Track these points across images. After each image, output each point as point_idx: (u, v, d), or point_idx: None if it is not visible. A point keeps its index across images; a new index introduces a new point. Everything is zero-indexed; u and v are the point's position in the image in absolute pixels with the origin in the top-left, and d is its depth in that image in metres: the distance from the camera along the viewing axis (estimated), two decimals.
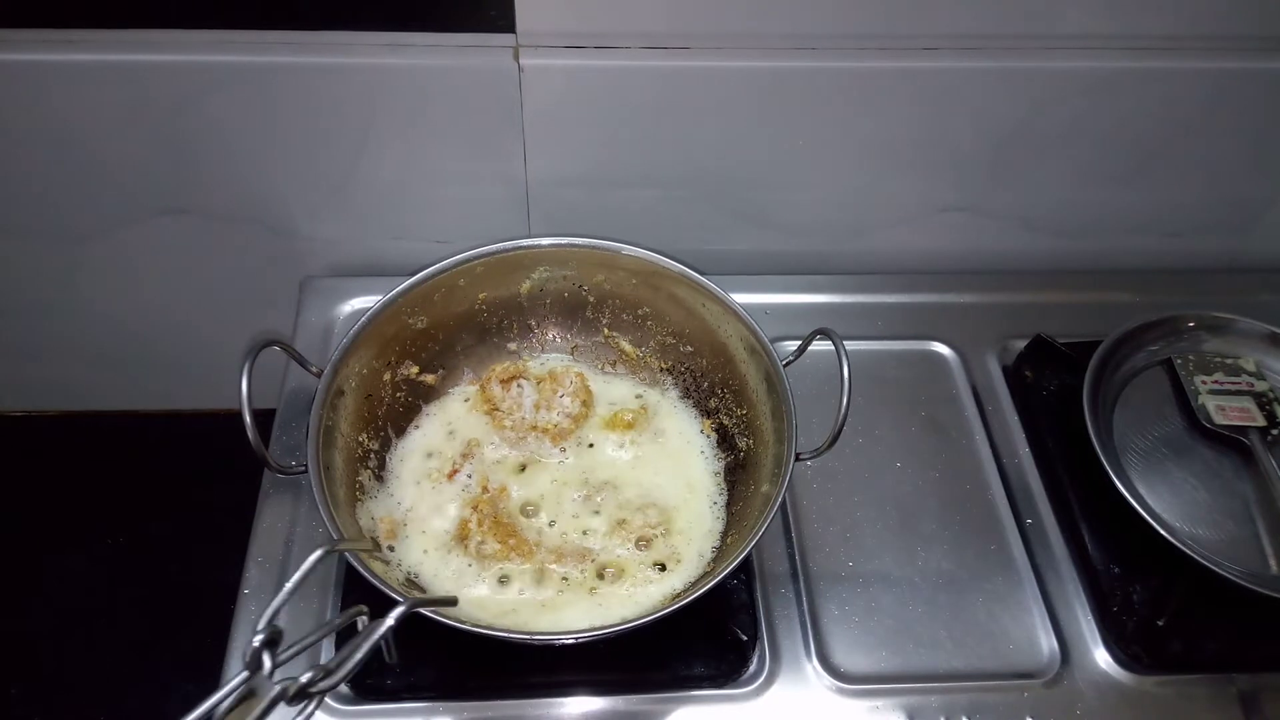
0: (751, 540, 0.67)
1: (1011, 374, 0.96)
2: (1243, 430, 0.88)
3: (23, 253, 1.04)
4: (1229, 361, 0.94)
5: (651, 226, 1.01)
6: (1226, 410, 0.90)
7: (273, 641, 0.47)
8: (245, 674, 0.46)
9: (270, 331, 0.74)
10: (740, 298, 0.80)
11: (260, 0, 0.80)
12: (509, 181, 0.96)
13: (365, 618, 0.54)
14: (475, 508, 0.78)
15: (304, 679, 0.47)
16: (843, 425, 0.70)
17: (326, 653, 0.71)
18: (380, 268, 1.04)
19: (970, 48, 0.86)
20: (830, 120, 0.92)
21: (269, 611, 0.48)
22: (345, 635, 0.54)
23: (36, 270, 1.06)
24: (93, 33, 0.82)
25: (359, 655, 0.50)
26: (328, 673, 0.48)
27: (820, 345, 0.74)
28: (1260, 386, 0.92)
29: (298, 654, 0.49)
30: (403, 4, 0.80)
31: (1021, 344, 0.97)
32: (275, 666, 0.47)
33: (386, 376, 0.82)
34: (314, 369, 0.75)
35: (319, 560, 0.53)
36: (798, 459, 0.71)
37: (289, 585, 0.51)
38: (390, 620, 0.53)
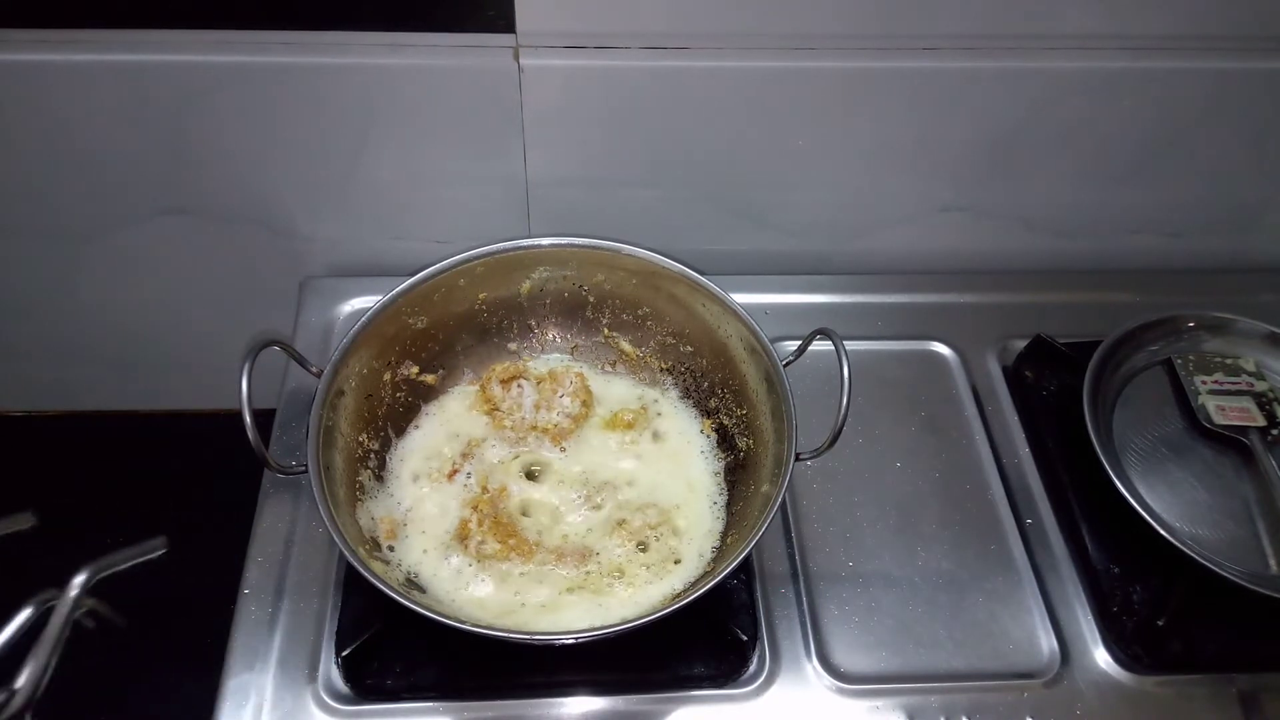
0: (751, 540, 0.67)
1: (1011, 374, 0.96)
2: (1243, 430, 0.88)
3: (23, 253, 1.03)
4: (1229, 361, 0.94)
5: (651, 226, 1.01)
6: (1226, 410, 0.90)
7: None
8: None
9: (270, 331, 0.74)
10: (740, 298, 0.80)
11: (260, 0, 0.80)
12: (509, 181, 0.96)
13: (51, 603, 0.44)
14: (475, 508, 0.78)
15: None
16: (843, 425, 0.70)
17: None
18: (380, 268, 1.04)
19: (970, 48, 0.86)
20: (830, 120, 0.92)
21: None
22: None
23: (36, 270, 1.06)
24: (93, 33, 0.81)
25: (41, 662, 0.42)
26: (11, 694, 0.40)
27: (820, 345, 0.74)
28: (1260, 386, 0.92)
29: None
30: (402, 4, 0.80)
31: (1021, 344, 0.97)
32: None
33: (386, 376, 0.82)
34: (314, 369, 0.75)
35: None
36: (798, 459, 0.71)
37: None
38: (67, 601, 0.43)
